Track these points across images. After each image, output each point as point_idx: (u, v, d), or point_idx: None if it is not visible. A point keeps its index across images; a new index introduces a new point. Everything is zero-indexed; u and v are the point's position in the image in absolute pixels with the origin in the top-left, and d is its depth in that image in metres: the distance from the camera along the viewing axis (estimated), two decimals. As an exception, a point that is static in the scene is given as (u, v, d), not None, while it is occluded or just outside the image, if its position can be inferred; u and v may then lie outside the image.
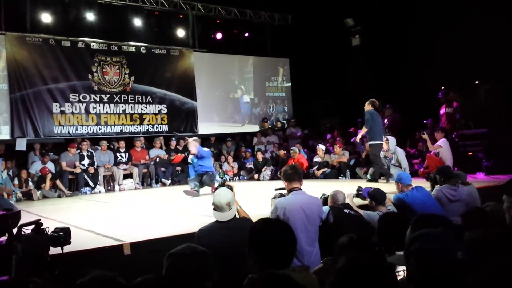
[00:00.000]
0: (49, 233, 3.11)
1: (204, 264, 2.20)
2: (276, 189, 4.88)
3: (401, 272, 2.41)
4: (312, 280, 2.50)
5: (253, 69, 15.38)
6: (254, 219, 3.47)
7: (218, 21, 14.53)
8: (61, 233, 3.14)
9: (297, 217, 4.03)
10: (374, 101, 9.24)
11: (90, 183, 10.82)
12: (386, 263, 2.14)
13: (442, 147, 8.76)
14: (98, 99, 12.23)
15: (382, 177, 9.37)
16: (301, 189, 4.34)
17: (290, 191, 4.33)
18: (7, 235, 2.91)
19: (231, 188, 4.11)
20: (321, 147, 11.35)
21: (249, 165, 12.82)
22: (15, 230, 2.93)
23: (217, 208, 3.74)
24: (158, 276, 1.83)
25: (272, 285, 1.60)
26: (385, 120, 11.15)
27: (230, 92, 14.84)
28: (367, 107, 9.18)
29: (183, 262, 2.16)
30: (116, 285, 1.73)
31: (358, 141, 9.93)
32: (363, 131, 9.14)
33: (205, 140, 13.95)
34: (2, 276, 2.62)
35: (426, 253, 1.75)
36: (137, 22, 13.04)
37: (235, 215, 3.83)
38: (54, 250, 3.13)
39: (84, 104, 12.02)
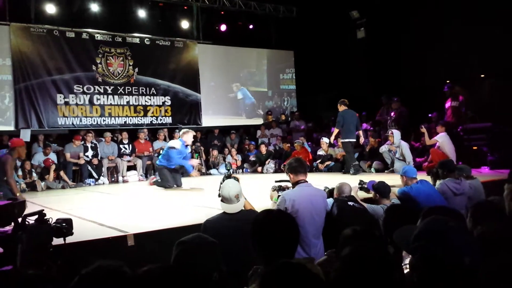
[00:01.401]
0: (51, 223, 3.12)
1: (212, 254, 2.20)
2: (276, 181, 4.87)
3: (408, 265, 2.39)
4: (317, 271, 2.49)
5: (267, 61, 15.27)
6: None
7: (222, 13, 14.45)
8: (63, 224, 3.14)
9: (306, 209, 4.01)
10: (344, 100, 9.55)
11: (94, 174, 10.83)
12: (390, 254, 2.13)
13: (438, 141, 8.73)
14: (102, 91, 12.23)
15: (386, 171, 9.38)
16: (307, 181, 4.30)
17: (296, 183, 4.27)
18: (12, 224, 2.92)
19: (237, 180, 4.09)
20: (325, 140, 11.29)
21: (253, 157, 12.79)
22: (20, 220, 2.94)
23: (225, 199, 3.73)
24: (164, 265, 1.81)
25: (288, 274, 1.59)
26: (392, 113, 11.10)
27: (235, 85, 14.77)
28: (339, 107, 9.50)
29: (192, 251, 2.16)
30: (122, 275, 1.72)
31: (333, 142, 10.09)
32: (335, 131, 9.51)
33: (209, 132, 13.96)
34: (7, 265, 2.64)
35: (432, 253, 1.71)
36: (141, 13, 13.02)
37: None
38: (57, 241, 3.13)
39: (88, 96, 12.02)
